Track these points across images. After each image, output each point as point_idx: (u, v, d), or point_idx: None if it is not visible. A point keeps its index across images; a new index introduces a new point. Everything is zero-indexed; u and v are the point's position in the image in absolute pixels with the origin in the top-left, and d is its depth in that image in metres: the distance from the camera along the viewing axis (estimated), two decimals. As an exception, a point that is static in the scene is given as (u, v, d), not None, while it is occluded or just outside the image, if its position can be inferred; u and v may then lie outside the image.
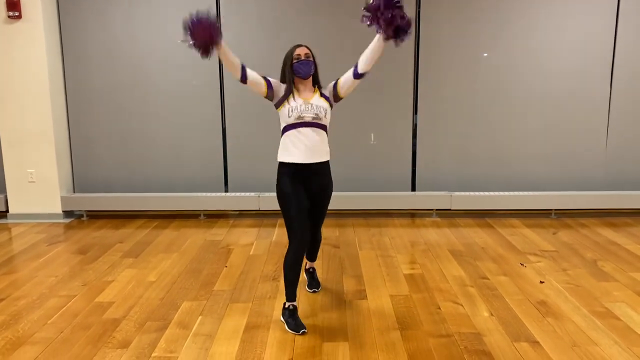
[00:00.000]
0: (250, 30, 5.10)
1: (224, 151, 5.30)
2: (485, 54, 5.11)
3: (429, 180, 5.31)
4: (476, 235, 4.57)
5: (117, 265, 3.87)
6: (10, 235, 4.71)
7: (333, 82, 2.93)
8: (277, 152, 2.94)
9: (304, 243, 2.83)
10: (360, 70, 2.83)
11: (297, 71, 2.83)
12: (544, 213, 5.21)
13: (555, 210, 5.18)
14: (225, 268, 3.80)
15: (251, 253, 4.14)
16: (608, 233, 4.58)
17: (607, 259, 3.90)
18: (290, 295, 2.86)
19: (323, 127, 2.86)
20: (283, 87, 2.88)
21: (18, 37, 4.87)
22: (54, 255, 4.12)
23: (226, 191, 5.34)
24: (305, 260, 3.34)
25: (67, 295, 3.32)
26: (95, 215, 5.31)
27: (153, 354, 2.59)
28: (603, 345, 2.63)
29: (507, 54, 5.11)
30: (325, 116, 2.85)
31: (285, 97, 2.83)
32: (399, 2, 2.62)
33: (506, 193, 5.13)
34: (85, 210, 5.28)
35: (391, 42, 2.73)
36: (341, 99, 2.95)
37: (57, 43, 5.10)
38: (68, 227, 4.98)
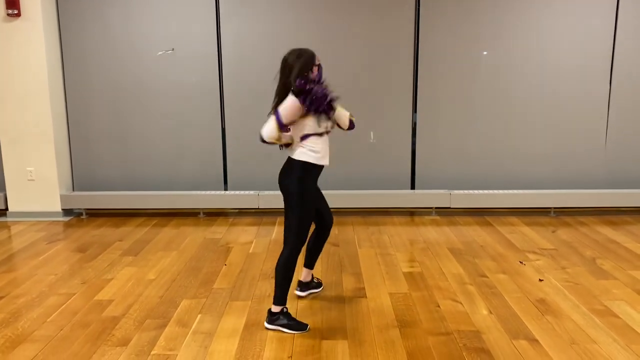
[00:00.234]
0: (250, 29, 5.09)
1: (223, 149, 5.30)
2: (485, 52, 5.11)
3: (428, 179, 5.32)
4: (475, 233, 4.57)
5: (117, 263, 3.87)
6: (10, 233, 4.71)
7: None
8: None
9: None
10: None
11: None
12: (543, 211, 5.21)
13: (555, 208, 5.19)
14: (224, 266, 3.80)
15: (250, 251, 4.14)
16: (607, 231, 4.58)
17: (606, 257, 3.90)
18: (286, 297, 2.85)
19: None
20: (289, 99, 2.78)
21: (17, 36, 4.86)
22: (53, 254, 4.12)
23: (225, 189, 5.34)
24: (306, 269, 3.27)
25: (67, 293, 3.33)
26: (95, 214, 5.31)
27: (152, 352, 2.59)
28: (602, 343, 2.64)
29: (507, 53, 5.11)
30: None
31: None
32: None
33: (505, 191, 5.13)
34: (85, 209, 5.28)
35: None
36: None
37: (57, 41, 5.09)
38: (67, 225, 4.98)
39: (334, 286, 3.41)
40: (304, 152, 2.80)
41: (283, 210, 2.90)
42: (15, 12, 4.78)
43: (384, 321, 2.90)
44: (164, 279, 3.56)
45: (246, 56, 5.12)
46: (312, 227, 3.22)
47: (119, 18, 5.06)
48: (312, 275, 3.30)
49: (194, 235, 4.57)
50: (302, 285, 3.24)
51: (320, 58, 2.89)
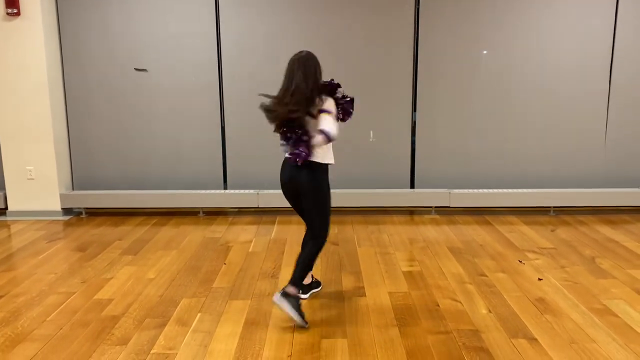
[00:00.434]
0: (250, 29, 5.09)
1: (222, 148, 5.30)
2: (485, 51, 5.11)
3: (428, 178, 5.32)
4: (475, 232, 4.57)
5: (116, 263, 3.87)
6: (10, 232, 4.71)
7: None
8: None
9: None
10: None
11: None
12: (543, 210, 5.21)
13: (554, 207, 5.19)
14: (224, 265, 3.80)
15: (250, 250, 4.15)
16: (606, 230, 4.59)
17: (605, 256, 3.91)
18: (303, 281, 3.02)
19: None
20: (330, 100, 2.85)
21: (17, 35, 4.86)
22: (53, 253, 4.12)
23: (225, 188, 5.34)
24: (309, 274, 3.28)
25: (66, 292, 3.33)
26: (94, 213, 5.31)
27: (152, 351, 2.60)
28: (601, 342, 2.64)
29: (507, 52, 5.11)
30: None
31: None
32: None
33: (505, 190, 5.14)
34: (84, 208, 5.29)
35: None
36: None
37: (56, 40, 5.09)
38: (67, 224, 4.98)
39: (333, 285, 3.41)
40: (325, 154, 2.89)
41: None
42: (15, 11, 4.78)
43: (384, 320, 2.90)
44: (163, 278, 3.57)
45: (246, 55, 5.12)
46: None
47: (118, 17, 5.06)
48: (312, 275, 3.30)
49: (193, 234, 4.57)
50: (304, 288, 3.21)
51: (320, 57, 2.91)
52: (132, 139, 5.29)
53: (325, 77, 2.91)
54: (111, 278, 3.57)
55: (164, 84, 5.17)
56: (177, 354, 2.57)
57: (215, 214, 5.26)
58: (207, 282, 3.48)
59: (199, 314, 3.00)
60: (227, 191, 5.21)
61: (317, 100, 2.78)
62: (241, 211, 5.33)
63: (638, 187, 5.24)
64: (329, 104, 2.80)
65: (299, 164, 2.82)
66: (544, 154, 5.26)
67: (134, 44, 5.11)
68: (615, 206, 5.25)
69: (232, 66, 5.13)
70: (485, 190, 5.14)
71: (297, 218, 4.61)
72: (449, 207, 5.17)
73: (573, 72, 5.12)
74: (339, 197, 4.91)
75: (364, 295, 3.25)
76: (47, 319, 2.96)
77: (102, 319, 2.95)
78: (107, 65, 5.15)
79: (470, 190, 5.15)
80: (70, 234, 4.63)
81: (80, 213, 5.31)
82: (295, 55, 2.88)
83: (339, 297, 3.23)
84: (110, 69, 5.15)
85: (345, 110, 2.91)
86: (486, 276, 3.54)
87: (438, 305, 3.09)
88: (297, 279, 2.90)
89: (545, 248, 4.12)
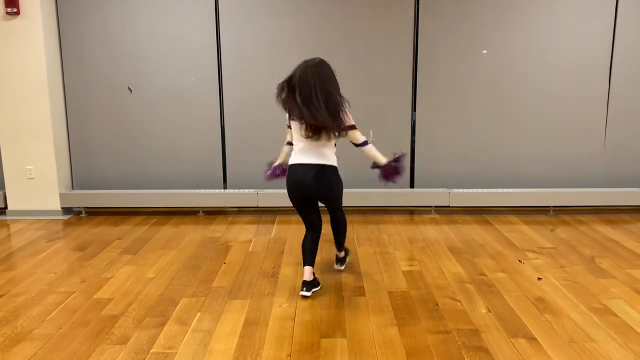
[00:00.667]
0: (250, 29, 5.09)
1: (222, 148, 5.30)
2: (485, 51, 5.11)
3: (427, 177, 5.32)
4: (474, 232, 4.57)
5: (116, 262, 3.87)
6: (9, 231, 4.71)
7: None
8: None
9: None
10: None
11: None
12: (542, 210, 5.22)
13: (554, 207, 5.19)
14: (224, 264, 3.80)
15: (250, 249, 4.15)
16: (606, 230, 4.59)
17: (605, 256, 3.91)
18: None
19: None
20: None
21: (16, 34, 4.86)
22: (52, 252, 4.12)
23: (225, 188, 5.35)
24: (309, 268, 3.33)
25: (66, 292, 3.33)
26: (94, 212, 5.31)
27: (152, 350, 2.60)
28: (600, 341, 2.64)
29: (507, 53, 5.11)
30: None
31: None
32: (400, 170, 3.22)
33: (504, 190, 5.14)
34: (84, 207, 5.29)
35: None
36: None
37: (56, 39, 5.09)
38: (67, 223, 4.98)
39: (333, 284, 3.41)
40: (335, 158, 3.22)
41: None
42: (15, 10, 4.78)
43: (383, 319, 2.90)
44: (163, 277, 3.57)
45: (246, 55, 5.12)
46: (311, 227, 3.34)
47: (118, 16, 5.06)
48: (313, 273, 3.30)
49: (193, 234, 4.57)
50: (307, 285, 3.22)
51: (321, 56, 2.94)
52: (132, 139, 5.29)
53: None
54: (111, 277, 3.57)
55: (164, 84, 5.17)
56: (176, 353, 2.57)
57: (214, 213, 5.26)
58: (206, 282, 3.48)
59: (198, 314, 3.00)
60: (226, 191, 5.21)
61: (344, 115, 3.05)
62: (241, 211, 5.33)
63: (637, 187, 5.25)
64: (349, 116, 3.10)
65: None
66: (543, 153, 5.27)
67: (134, 45, 5.11)
68: (615, 206, 5.25)
69: (232, 66, 5.13)
70: (485, 190, 5.15)
71: (296, 218, 4.61)
72: (448, 206, 5.17)
73: (573, 72, 5.12)
74: (338, 196, 4.92)
75: (363, 294, 3.25)
76: (47, 319, 2.96)
77: (102, 319, 2.95)
78: (107, 64, 5.15)
79: (470, 190, 5.15)
80: (69, 234, 4.64)
81: (80, 212, 5.31)
82: (310, 60, 3.02)
83: (339, 296, 3.23)
84: (111, 68, 5.15)
85: (396, 169, 3.23)
86: (486, 276, 3.54)
87: (437, 305, 3.09)
88: (342, 243, 3.55)
89: (544, 248, 4.12)
